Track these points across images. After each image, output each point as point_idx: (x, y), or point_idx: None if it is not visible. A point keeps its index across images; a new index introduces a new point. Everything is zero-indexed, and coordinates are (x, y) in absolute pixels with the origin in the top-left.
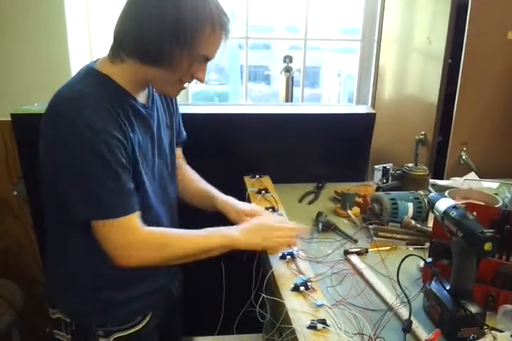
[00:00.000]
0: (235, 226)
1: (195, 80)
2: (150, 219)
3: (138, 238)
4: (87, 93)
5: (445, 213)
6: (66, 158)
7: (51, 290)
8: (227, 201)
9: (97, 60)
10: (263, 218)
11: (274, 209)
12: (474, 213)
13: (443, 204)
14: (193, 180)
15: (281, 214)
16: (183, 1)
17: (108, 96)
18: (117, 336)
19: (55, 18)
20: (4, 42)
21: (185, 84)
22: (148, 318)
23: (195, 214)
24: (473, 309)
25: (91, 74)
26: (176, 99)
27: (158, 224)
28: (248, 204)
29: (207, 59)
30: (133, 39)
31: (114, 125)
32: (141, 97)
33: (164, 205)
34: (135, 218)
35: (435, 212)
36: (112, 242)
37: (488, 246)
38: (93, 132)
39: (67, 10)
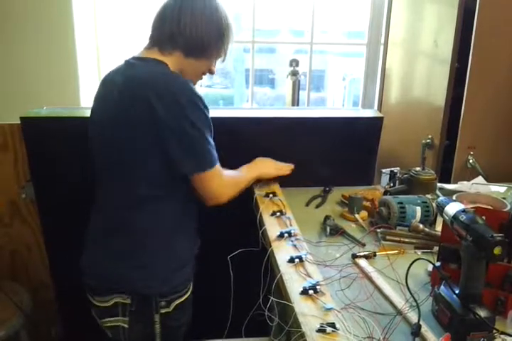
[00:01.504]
0: (251, 164)
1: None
2: None
3: (226, 179)
4: (177, 74)
5: (454, 217)
6: (185, 121)
7: (107, 274)
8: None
9: (138, 57)
10: (264, 158)
11: (281, 213)
12: (483, 217)
13: (452, 208)
14: None
15: (289, 218)
16: (220, 7)
17: None
18: (177, 303)
19: (63, 24)
20: (14, 47)
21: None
22: (191, 285)
23: None
24: (482, 313)
25: (158, 63)
26: None
27: None
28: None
29: (225, 55)
30: (189, 36)
31: None
32: None
33: None
34: (219, 165)
35: (444, 216)
36: (213, 185)
37: (497, 251)
38: (202, 101)
39: (75, 16)
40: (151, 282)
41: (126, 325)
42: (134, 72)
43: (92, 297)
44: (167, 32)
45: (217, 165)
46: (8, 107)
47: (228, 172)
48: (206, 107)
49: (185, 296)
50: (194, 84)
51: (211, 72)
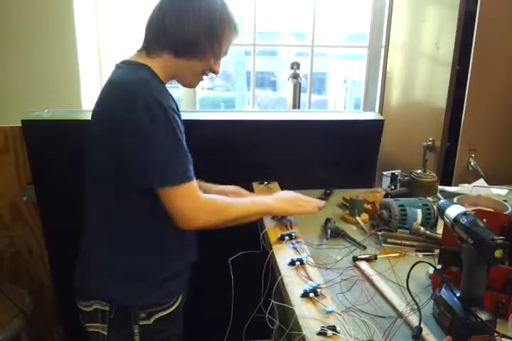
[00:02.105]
0: (269, 196)
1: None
2: None
3: (201, 201)
4: (147, 77)
5: (455, 220)
6: (139, 130)
7: (90, 279)
8: (214, 186)
9: (124, 60)
10: (288, 192)
11: (282, 216)
12: (484, 220)
13: (453, 211)
14: (206, 186)
15: (290, 220)
16: (214, 3)
17: (160, 83)
18: (158, 316)
19: (65, 27)
20: (16, 50)
21: (204, 77)
22: (180, 299)
23: None
24: (483, 316)
25: (137, 66)
26: None
27: None
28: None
29: (224, 54)
30: (174, 34)
31: (174, 104)
32: None
33: None
34: (195, 184)
35: (445, 218)
36: (181, 205)
37: (498, 253)
38: (161, 108)
39: (76, 18)
40: (129, 293)
41: (105, 333)
42: (113, 77)
43: (77, 300)
44: (154, 32)
45: (187, 184)
46: (9, 110)
47: (212, 196)
48: (168, 116)
49: (170, 309)
50: (193, 85)
51: (214, 72)
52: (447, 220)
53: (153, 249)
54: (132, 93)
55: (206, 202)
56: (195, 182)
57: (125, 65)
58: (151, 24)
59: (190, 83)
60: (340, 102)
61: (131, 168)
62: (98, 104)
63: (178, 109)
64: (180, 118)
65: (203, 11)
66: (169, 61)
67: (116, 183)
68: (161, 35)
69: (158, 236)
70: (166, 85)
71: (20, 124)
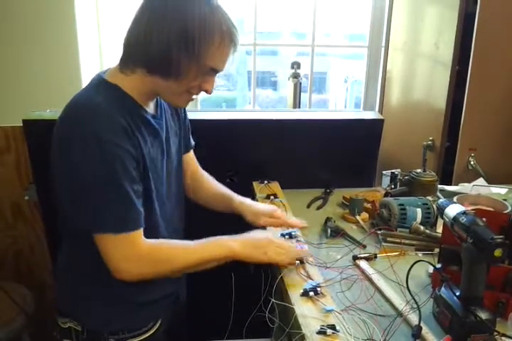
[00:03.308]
0: (237, 237)
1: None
2: (151, 225)
3: (137, 253)
4: (101, 106)
5: (455, 219)
6: (71, 169)
7: (63, 298)
8: (244, 202)
9: (107, 69)
10: (265, 232)
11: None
12: (484, 219)
13: (453, 210)
14: (210, 184)
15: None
16: (190, 11)
17: (120, 109)
18: None
19: (66, 26)
20: (17, 50)
21: (194, 96)
22: (158, 324)
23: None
24: (483, 315)
25: (103, 84)
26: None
27: (159, 230)
28: (265, 205)
29: (215, 71)
30: (141, 49)
31: (127, 140)
32: (151, 107)
33: (175, 210)
34: (137, 234)
35: (445, 218)
36: (112, 255)
37: (498, 253)
38: (101, 143)
39: (77, 18)
40: (97, 317)
41: None
42: (74, 95)
43: (56, 315)
44: (126, 45)
45: (128, 234)
46: (10, 110)
47: (162, 244)
48: (105, 155)
49: (145, 336)
50: (179, 104)
51: (205, 91)
52: (447, 219)
53: (116, 280)
54: (72, 122)
55: (144, 251)
56: (136, 232)
57: (93, 81)
58: (126, 37)
59: (175, 103)
60: (341, 102)
61: (67, 206)
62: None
63: (144, 139)
64: (141, 150)
65: (176, 23)
66: (144, 78)
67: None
68: (132, 49)
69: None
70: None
71: (21, 124)
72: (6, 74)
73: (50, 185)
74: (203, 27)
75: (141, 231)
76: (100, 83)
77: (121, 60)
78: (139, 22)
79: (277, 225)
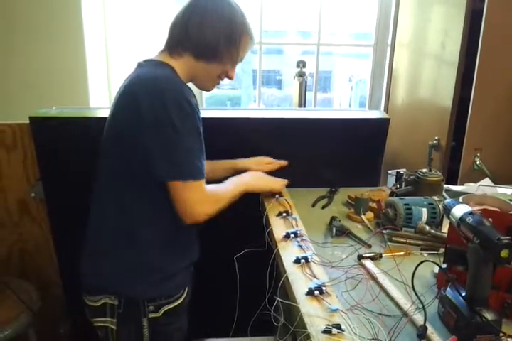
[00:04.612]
0: (239, 177)
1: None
2: None
3: (206, 196)
4: (173, 76)
5: (461, 219)
6: (167, 124)
7: (97, 274)
8: (244, 160)
9: (147, 59)
10: (256, 172)
11: (287, 213)
12: (490, 219)
13: (459, 210)
14: (213, 162)
15: (295, 218)
16: (232, 14)
17: (183, 82)
18: (166, 309)
19: (73, 25)
20: (24, 48)
21: (220, 81)
22: (186, 291)
23: None
24: (489, 316)
25: (160, 64)
26: None
27: None
28: (259, 157)
29: (240, 61)
30: (194, 39)
31: (197, 104)
32: None
33: None
34: (204, 181)
35: (451, 218)
36: (189, 200)
37: (504, 253)
38: (190, 106)
39: (84, 16)
40: (138, 286)
41: (114, 327)
42: (136, 74)
43: (85, 295)
44: (176, 35)
45: (201, 181)
46: (17, 107)
47: (212, 187)
48: (194, 114)
49: (177, 302)
50: (209, 88)
51: (229, 77)
52: (453, 219)
53: (162, 247)
54: (161, 89)
55: (209, 194)
56: (203, 179)
57: (149, 63)
58: (175, 28)
59: (207, 86)
60: (346, 100)
61: (154, 160)
62: (120, 101)
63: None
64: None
65: (225, 18)
66: (190, 62)
67: (132, 180)
68: (183, 38)
69: (167, 234)
70: None
71: (28, 121)
72: (13, 73)
73: (56, 182)
74: (241, 26)
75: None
76: (159, 64)
77: (170, 46)
78: (190, 19)
79: (276, 168)
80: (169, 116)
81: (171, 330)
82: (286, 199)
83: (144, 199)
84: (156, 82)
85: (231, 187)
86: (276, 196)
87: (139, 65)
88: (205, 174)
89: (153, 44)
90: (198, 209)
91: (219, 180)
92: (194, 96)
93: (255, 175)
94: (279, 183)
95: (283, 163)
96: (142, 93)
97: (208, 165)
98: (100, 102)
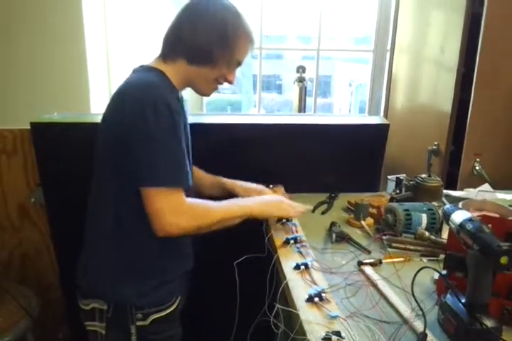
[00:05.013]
0: (250, 198)
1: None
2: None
3: (184, 208)
4: (159, 83)
5: (461, 226)
6: (142, 127)
7: (88, 278)
8: (235, 182)
9: (142, 65)
10: (274, 196)
11: (287, 219)
12: (489, 225)
13: (459, 216)
14: (201, 174)
15: (295, 224)
16: (226, 15)
17: (170, 88)
18: (155, 317)
19: (74, 31)
20: (26, 54)
21: (218, 86)
22: (178, 300)
23: None
24: (489, 323)
25: (152, 70)
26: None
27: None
28: (253, 183)
29: (238, 64)
30: (185, 44)
31: (180, 109)
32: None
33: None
34: (182, 191)
35: (451, 224)
36: (161, 209)
37: (504, 260)
38: (169, 110)
39: (85, 22)
40: (126, 293)
41: (103, 331)
42: (126, 80)
43: (79, 299)
44: (170, 40)
45: (177, 188)
46: (18, 112)
47: (198, 201)
48: (173, 119)
49: (167, 311)
50: (206, 92)
51: (228, 81)
52: (453, 226)
53: (153, 256)
54: (142, 95)
55: (189, 206)
56: (181, 187)
57: (141, 69)
58: (168, 32)
59: (204, 91)
60: (345, 105)
61: (131, 164)
62: (109, 106)
63: (184, 114)
64: (185, 122)
65: (217, 21)
66: (183, 68)
67: (120, 190)
68: (175, 42)
69: (158, 244)
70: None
71: (29, 126)
72: (14, 79)
73: (56, 188)
74: (236, 28)
75: (184, 189)
76: (149, 69)
77: (163, 52)
78: (182, 23)
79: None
80: (145, 121)
81: (160, 339)
82: (294, 224)
83: (133, 209)
84: (139, 87)
85: (228, 207)
86: (283, 220)
87: (134, 70)
88: (188, 183)
89: (154, 49)
90: (169, 219)
91: (207, 196)
92: (180, 101)
93: (266, 198)
94: (293, 211)
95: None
96: (126, 99)
97: (204, 179)
98: (101, 108)
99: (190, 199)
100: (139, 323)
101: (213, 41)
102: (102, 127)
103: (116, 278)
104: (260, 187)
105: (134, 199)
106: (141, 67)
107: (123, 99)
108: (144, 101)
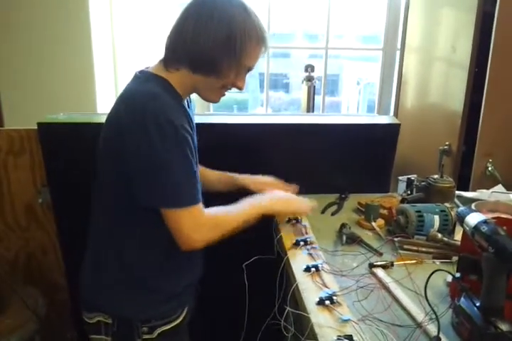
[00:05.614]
0: (262, 196)
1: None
2: None
3: (204, 222)
4: (162, 95)
5: (476, 228)
6: (148, 150)
7: (93, 292)
8: (246, 177)
9: (147, 67)
10: (282, 192)
11: (297, 220)
12: (504, 227)
13: (473, 218)
14: (208, 171)
15: (305, 225)
16: (232, 18)
17: (174, 97)
18: (161, 330)
19: (80, 31)
20: (32, 54)
21: (226, 92)
22: (185, 312)
23: None
24: (504, 327)
25: (153, 78)
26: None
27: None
28: (263, 176)
29: (249, 69)
30: (187, 52)
31: (186, 121)
32: (184, 103)
33: None
34: (201, 205)
35: (465, 226)
36: (185, 228)
37: None
38: (173, 127)
39: (92, 22)
40: (131, 306)
41: None
42: (128, 86)
43: (83, 312)
44: (172, 47)
45: (194, 206)
46: (25, 113)
47: (213, 211)
48: (178, 136)
49: (174, 323)
50: (213, 100)
51: (237, 87)
52: (467, 228)
53: (156, 269)
54: (142, 109)
55: (207, 219)
56: (200, 204)
57: (142, 76)
58: (170, 38)
59: (210, 98)
60: (354, 104)
61: (139, 186)
62: (109, 115)
63: (191, 127)
64: (192, 136)
65: (221, 27)
66: (187, 76)
67: (124, 200)
68: (178, 50)
69: (163, 257)
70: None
71: (36, 127)
72: (21, 79)
73: (63, 188)
74: (243, 32)
75: (201, 203)
76: (150, 77)
77: (165, 60)
78: (184, 28)
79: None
80: (151, 140)
81: None
82: (304, 225)
83: (132, 222)
84: (139, 101)
85: (244, 209)
86: (293, 221)
87: (134, 76)
88: (200, 197)
89: (161, 49)
90: (194, 236)
91: (215, 192)
92: (186, 115)
93: (277, 196)
94: (304, 206)
95: (293, 188)
96: (124, 113)
97: (211, 175)
98: (107, 108)
99: (208, 210)
100: (145, 337)
101: (218, 49)
102: (103, 136)
103: (120, 291)
104: (270, 179)
105: (133, 215)
106: (144, 72)
107: (121, 114)
108: (146, 118)
